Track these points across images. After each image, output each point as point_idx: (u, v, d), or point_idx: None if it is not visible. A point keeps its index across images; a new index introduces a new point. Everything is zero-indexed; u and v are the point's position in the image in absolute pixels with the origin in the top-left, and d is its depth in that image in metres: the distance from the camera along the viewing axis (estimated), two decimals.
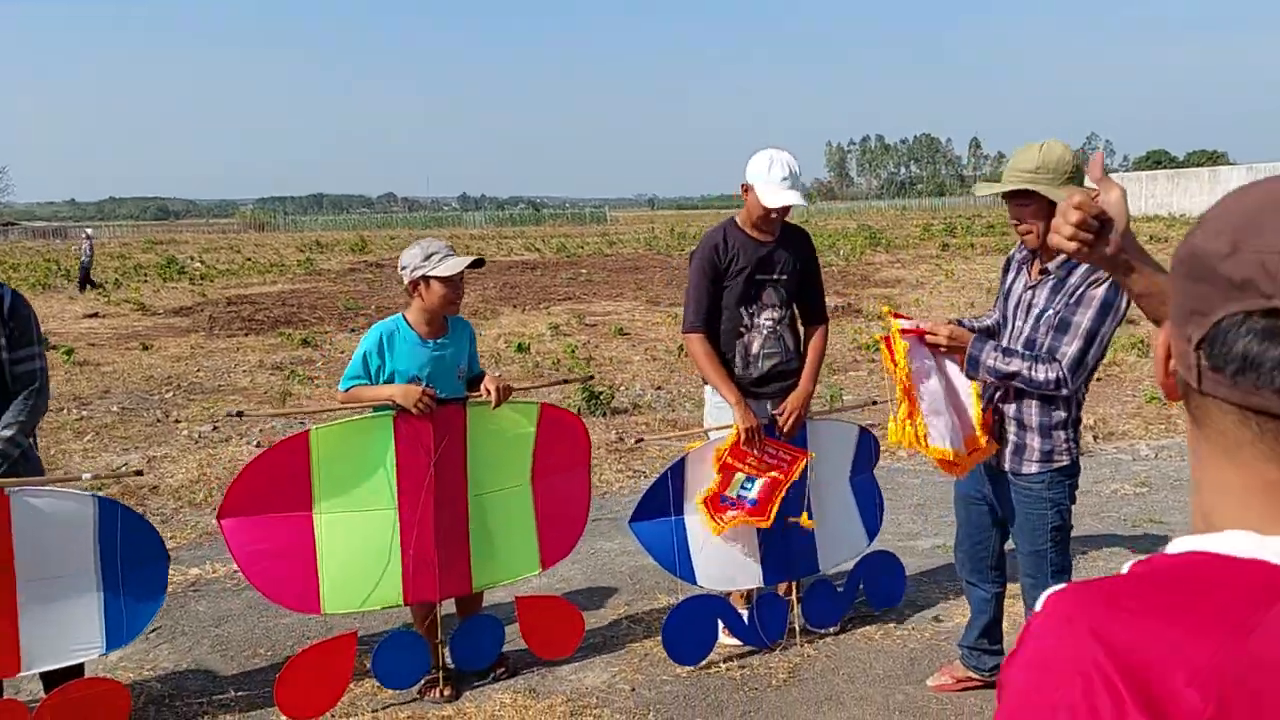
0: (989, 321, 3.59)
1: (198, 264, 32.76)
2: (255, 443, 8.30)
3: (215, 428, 9.05)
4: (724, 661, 4.11)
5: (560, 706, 3.75)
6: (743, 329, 4.11)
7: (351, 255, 38.75)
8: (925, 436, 3.27)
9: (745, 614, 4.20)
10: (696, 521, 4.04)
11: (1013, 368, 3.14)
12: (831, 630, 4.33)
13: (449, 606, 4.10)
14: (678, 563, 4.10)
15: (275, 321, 17.00)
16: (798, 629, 4.24)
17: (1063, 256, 3.14)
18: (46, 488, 3.58)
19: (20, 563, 3.43)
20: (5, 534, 3.41)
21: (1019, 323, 3.31)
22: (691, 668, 4.05)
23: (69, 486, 3.67)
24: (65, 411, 9.81)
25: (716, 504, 3.98)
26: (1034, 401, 3.24)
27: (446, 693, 3.86)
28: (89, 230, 27.74)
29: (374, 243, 48.07)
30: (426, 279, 3.79)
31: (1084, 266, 3.07)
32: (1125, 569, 0.73)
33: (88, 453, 8.26)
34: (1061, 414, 3.24)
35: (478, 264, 3.87)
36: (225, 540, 3.54)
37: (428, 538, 3.73)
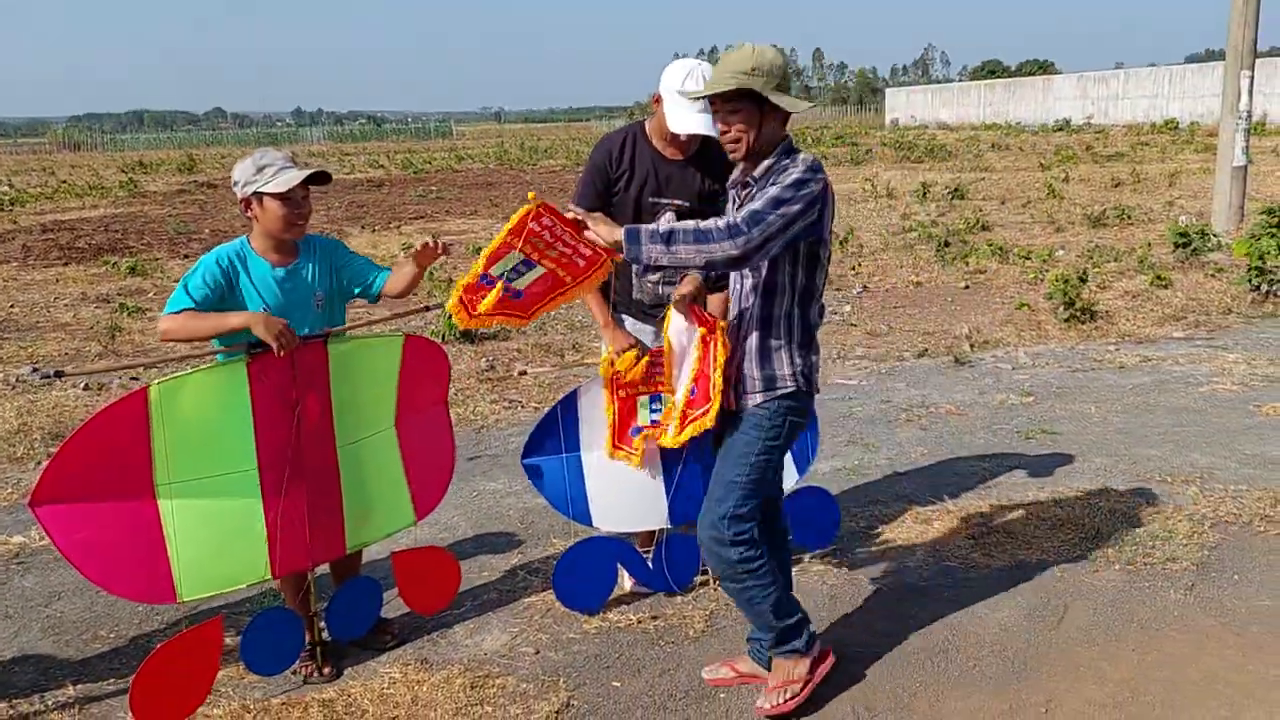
0: None
1: (6, 187, 29.83)
2: (84, 384, 7.45)
3: (35, 369, 8.10)
4: (634, 614, 3.80)
5: (458, 679, 3.37)
6: None
7: (179, 175, 36.06)
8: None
9: (649, 557, 3.90)
10: (593, 458, 3.70)
11: (682, 225, 2.78)
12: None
13: (321, 575, 3.64)
14: (571, 504, 3.76)
15: (98, 249, 15.54)
16: (711, 572, 3.97)
17: (766, 165, 2.93)
18: None
19: None
20: None
21: None
22: (600, 623, 3.73)
23: None
24: None
25: (624, 438, 3.66)
26: (754, 325, 3.02)
27: (326, 671, 3.42)
28: None
29: (203, 162, 44.99)
30: (260, 195, 3.22)
31: (800, 165, 2.87)
32: None
33: None
34: (782, 337, 3.01)
35: (320, 179, 3.31)
36: (45, 531, 2.92)
37: (296, 499, 3.23)
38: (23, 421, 6.61)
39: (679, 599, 3.90)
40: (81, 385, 7.42)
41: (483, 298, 2.99)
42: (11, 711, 3.29)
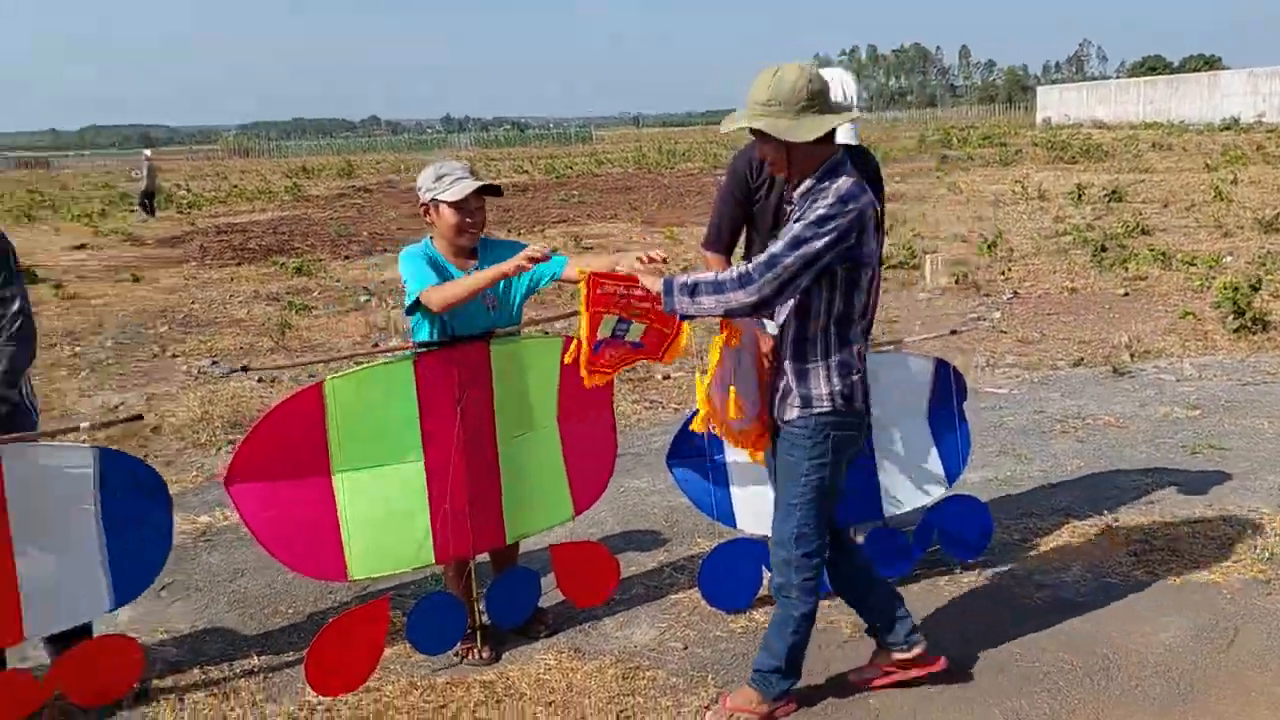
0: None
1: (184, 191, 31.98)
2: (258, 378, 7.96)
3: (215, 362, 8.71)
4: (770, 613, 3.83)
5: (610, 668, 3.49)
6: None
7: (338, 180, 37.95)
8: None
9: None
10: (737, 460, 3.76)
11: (700, 279, 2.89)
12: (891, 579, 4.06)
13: (481, 563, 3.82)
14: (715, 505, 3.83)
15: (267, 250, 16.53)
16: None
17: (805, 187, 2.92)
18: (41, 443, 3.26)
19: (16, 525, 3.13)
20: None
21: None
22: (746, 623, 3.79)
23: (66, 438, 3.35)
24: (58, 348, 9.44)
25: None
26: (790, 346, 3.02)
27: (485, 654, 3.59)
28: (147, 152, 26.83)
29: (360, 167, 47.10)
30: (437, 202, 3.42)
31: (831, 196, 2.84)
32: None
33: (83, 391, 7.92)
34: (817, 359, 2.99)
35: (492, 190, 3.48)
36: (235, 507, 3.22)
37: (459, 489, 3.41)
38: (205, 410, 7.12)
39: (825, 604, 3.91)
40: (256, 379, 7.92)
41: (608, 359, 3.17)
42: (203, 677, 3.58)
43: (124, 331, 10.29)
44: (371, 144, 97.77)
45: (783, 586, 3.11)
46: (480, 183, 3.41)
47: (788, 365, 3.02)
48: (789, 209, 3.01)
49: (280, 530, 3.24)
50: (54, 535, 3.18)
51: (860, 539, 4.01)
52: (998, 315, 9.18)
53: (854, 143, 3.53)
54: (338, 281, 13.07)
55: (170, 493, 3.40)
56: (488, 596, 3.64)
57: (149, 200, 23.95)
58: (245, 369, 3.50)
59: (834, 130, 2.90)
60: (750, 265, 2.85)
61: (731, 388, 3.12)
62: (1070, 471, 5.26)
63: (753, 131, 2.94)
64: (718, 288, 2.86)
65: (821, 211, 2.81)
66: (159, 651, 3.75)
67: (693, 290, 2.88)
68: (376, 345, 8.97)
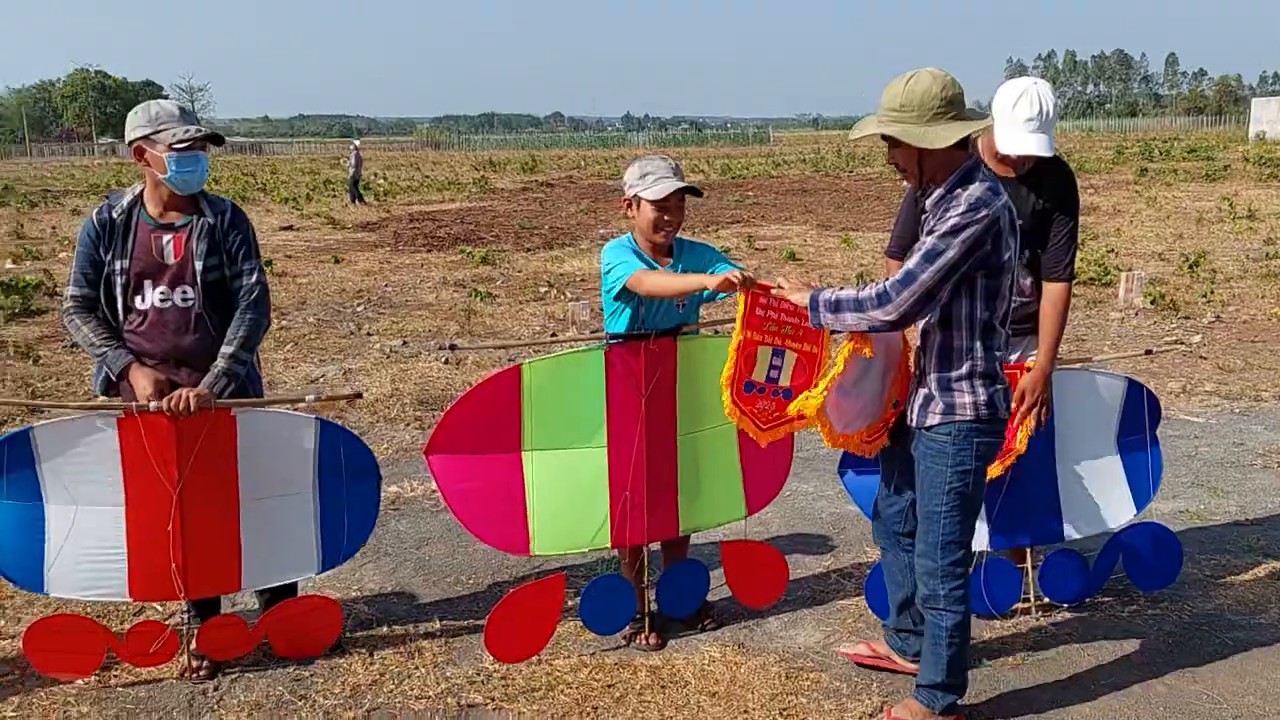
0: None
1: (381, 180, 33.78)
2: (444, 360, 8.39)
3: (405, 343, 9.23)
4: None
5: (773, 666, 3.54)
6: None
7: (522, 174, 39.20)
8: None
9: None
10: None
11: (840, 296, 2.96)
12: (1066, 605, 3.94)
13: (653, 552, 3.93)
14: None
15: (455, 239, 17.31)
16: (1032, 599, 3.88)
17: (937, 195, 2.91)
18: (271, 409, 3.58)
19: (243, 483, 3.46)
20: (230, 454, 3.42)
21: None
22: None
23: (293, 408, 3.66)
24: None
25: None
26: (934, 356, 3.00)
27: (653, 640, 3.71)
28: (356, 142, 28.88)
29: (543, 162, 48.52)
30: (638, 199, 3.55)
31: (962, 204, 2.82)
32: None
33: (288, 363, 8.54)
34: (963, 369, 2.96)
35: (692, 191, 3.59)
36: (433, 477, 3.46)
37: (639, 478, 3.54)
38: (395, 387, 7.57)
39: (998, 624, 3.84)
40: (443, 360, 8.35)
41: (760, 409, 3.25)
42: (390, 634, 3.84)
43: (325, 309, 11.02)
44: (554, 140, 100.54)
45: (929, 598, 3.09)
46: (681, 184, 3.52)
47: (932, 375, 3.00)
48: (924, 218, 2.99)
49: (472, 501, 3.46)
50: (275, 496, 3.50)
51: (1037, 560, 3.91)
52: (1197, 339, 8.66)
53: (1048, 154, 3.45)
54: (519, 272, 13.56)
55: (379, 471, 3.66)
56: (659, 585, 3.76)
57: (355, 187, 25.45)
58: (454, 347, 3.75)
59: (967, 137, 2.88)
60: (888, 283, 2.88)
61: (838, 398, 3.11)
62: (1271, 509, 4.94)
63: (884, 138, 2.93)
64: (859, 305, 2.91)
65: (954, 221, 2.80)
66: (352, 607, 4.05)
67: (836, 307, 2.96)
68: (554, 335, 9.30)
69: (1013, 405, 3.54)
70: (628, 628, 3.73)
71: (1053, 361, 3.56)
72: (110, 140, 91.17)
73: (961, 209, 2.80)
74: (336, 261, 14.62)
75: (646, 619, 3.73)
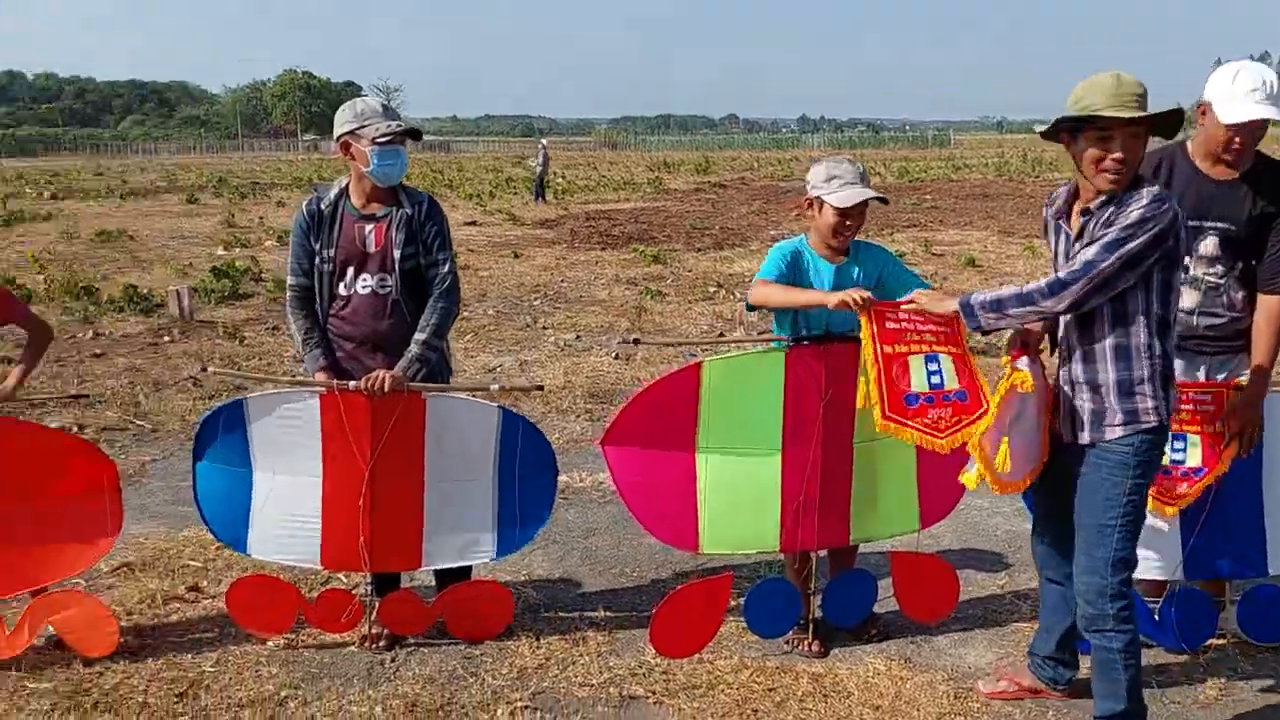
0: None
1: (560, 180, 34.67)
2: (614, 355, 8.54)
3: (578, 336, 9.45)
4: None
5: (941, 684, 3.43)
6: None
7: (696, 175, 39.42)
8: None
9: (1155, 609, 3.62)
10: None
11: (1002, 294, 2.90)
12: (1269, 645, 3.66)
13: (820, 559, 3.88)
14: None
15: (629, 237, 17.57)
16: (1229, 637, 3.61)
17: (1103, 198, 2.84)
18: (457, 395, 3.74)
19: (429, 464, 3.62)
20: (418, 437, 3.59)
21: None
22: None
23: (478, 395, 3.82)
24: None
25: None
26: (1107, 360, 2.87)
27: (816, 647, 3.66)
28: (544, 141, 29.75)
29: (716, 163, 48.63)
30: (821, 201, 3.51)
31: (1145, 198, 2.78)
32: None
33: (468, 352, 8.89)
34: (1143, 369, 2.84)
35: (879, 199, 3.53)
36: (609, 468, 3.52)
37: (812, 484, 3.50)
38: (568, 379, 7.76)
39: (1185, 659, 3.60)
40: (614, 355, 8.50)
41: (935, 418, 3.20)
42: (556, 620, 3.95)
43: (504, 302, 11.41)
44: (729, 141, 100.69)
45: (1096, 618, 2.92)
46: (868, 194, 3.47)
47: (1108, 380, 2.87)
48: (1084, 222, 2.88)
49: (644, 495, 3.52)
50: (458, 480, 3.65)
51: (1235, 594, 3.65)
52: None
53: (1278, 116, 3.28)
54: (689, 271, 13.65)
55: (557, 462, 3.75)
56: (825, 592, 3.71)
57: (540, 185, 26.04)
58: (637, 341, 3.84)
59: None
60: (1064, 273, 2.81)
61: (1005, 439, 3.00)
62: None
63: (1144, 122, 2.78)
64: (1024, 300, 2.85)
65: (1137, 214, 2.75)
66: (521, 591, 4.18)
67: (997, 306, 2.90)
68: (722, 335, 9.31)
69: (1221, 426, 3.33)
70: (791, 633, 3.70)
71: (1267, 382, 3.31)
72: (313, 137, 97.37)
73: (1145, 202, 2.76)
74: (515, 256, 15.10)
75: (811, 625, 3.69)
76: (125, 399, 7.20)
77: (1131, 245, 2.72)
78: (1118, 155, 2.77)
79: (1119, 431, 2.86)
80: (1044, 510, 3.24)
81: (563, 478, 5.59)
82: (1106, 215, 2.81)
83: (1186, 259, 3.45)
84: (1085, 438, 2.92)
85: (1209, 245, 3.41)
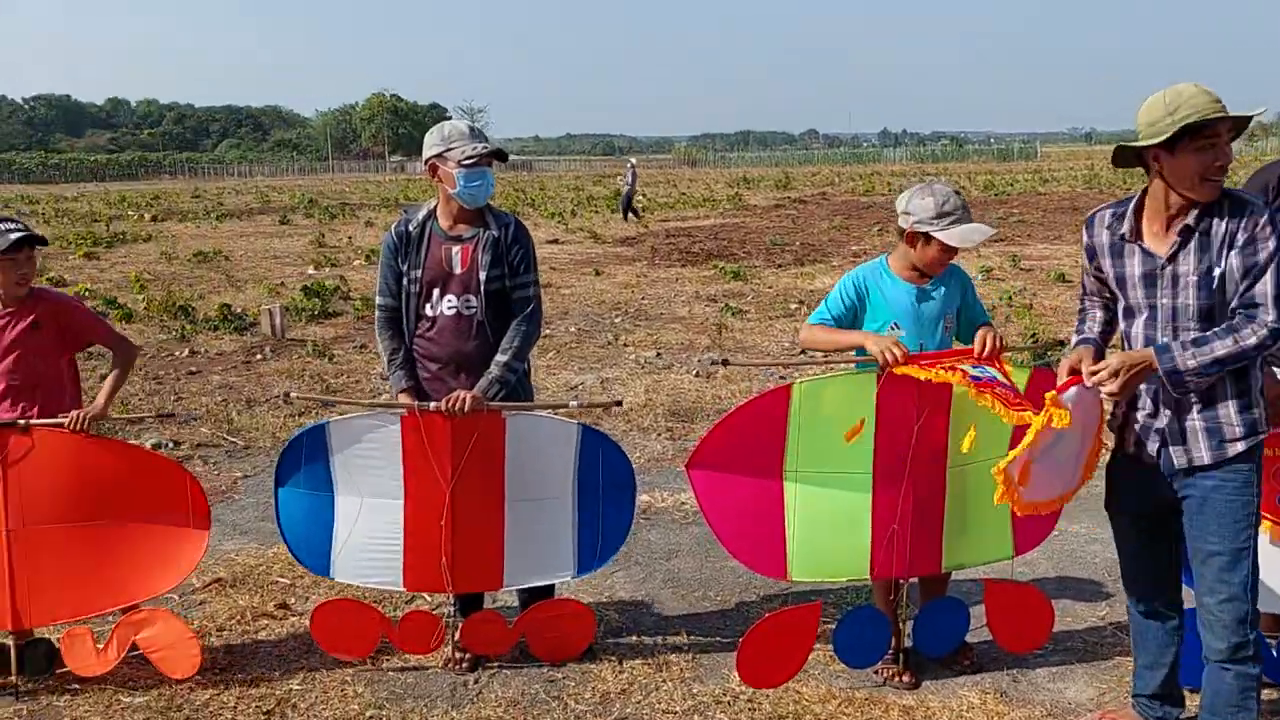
0: (1097, 323, 3.09)
1: (640, 197, 34.83)
2: (695, 373, 8.48)
3: (659, 354, 9.42)
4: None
5: None
6: None
7: (776, 191, 39.24)
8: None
9: (1274, 645, 3.41)
10: None
11: (1219, 353, 2.63)
12: None
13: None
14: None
15: (708, 254, 17.52)
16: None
17: (1197, 210, 2.71)
18: (537, 413, 3.73)
19: (509, 484, 3.60)
20: (499, 455, 3.58)
21: (1166, 300, 2.78)
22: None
23: (558, 413, 3.80)
24: None
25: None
26: (1227, 374, 2.70)
27: (907, 678, 3.54)
28: (633, 160, 29.93)
29: (796, 179, 48.34)
30: (929, 237, 3.38)
31: (1227, 215, 2.68)
32: None
33: (550, 369, 8.92)
34: (1257, 377, 2.75)
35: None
36: (694, 491, 3.47)
37: (904, 509, 3.39)
38: (649, 397, 7.73)
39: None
40: (695, 373, 8.45)
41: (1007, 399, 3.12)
42: (639, 644, 3.89)
43: (585, 319, 11.45)
44: (808, 157, 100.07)
45: (1241, 646, 2.76)
46: (988, 232, 3.40)
47: (1227, 389, 2.72)
48: (1182, 240, 2.73)
49: (732, 520, 3.44)
50: (538, 498, 3.63)
51: None
52: None
53: None
54: (770, 288, 13.53)
55: (636, 480, 3.71)
56: (916, 621, 3.58)
57: (629, 203, 25.94)
58: (726, 363, 3.78)
59: None
60: (1272, 314, 2.62)
61: (1029, 460, 2.86)
62: None
63: (1232, 126, 2.69)
64: (1247, 358, 2.67)
65: (1265, 217, 2.66)
66: (602, 613, 4.14)
67: (1211, 371, 2.66)
68: (804, 352, 9.17)
69: None
70: (881, 663, 3.59)
71: None
72: (399, 158, 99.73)
73: (1258, 204, 2.71)
74: (597, 274, 15.17)
75: (901, 655, 3.57)
76: (219, 416, 7.39)
77: None
78: (1222, 162, 2.68)
79: (1241, 446, 2.73)
80: (1137, 542, 3.08)
81: (644, 497, 5.58)
82: (1222, 229, 2.68)
83: None
84: (1205, 458, 2.76)
85: None
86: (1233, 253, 2.66)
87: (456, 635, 3.69)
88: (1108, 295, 3.03)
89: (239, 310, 11.60)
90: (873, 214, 25.34)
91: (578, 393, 8.04)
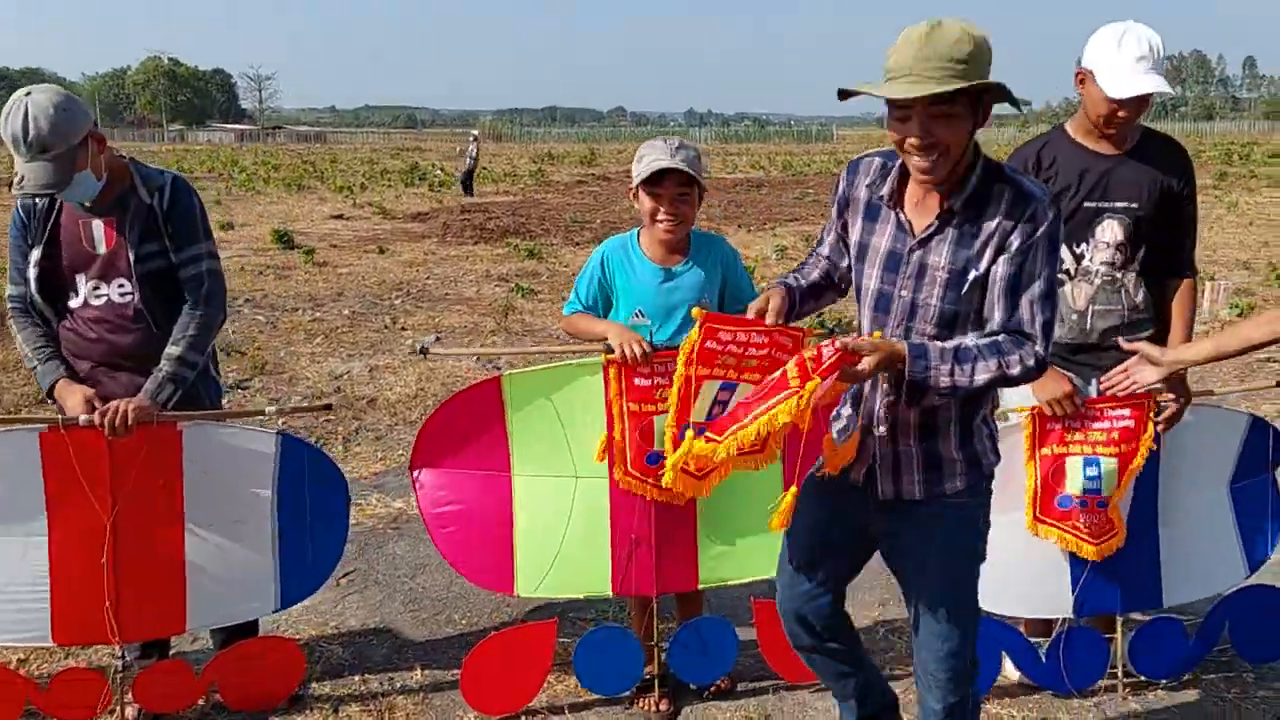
0: (807, 280, 2.45)
1: (439, 171, 33.65)
2: (475, 359, 7.92)
3: (439, 339, 8.79)
4: (1017, 709, 3.19)
5: None
6: (1064, 274, 3.06)
7: (580, 167, 38.87)
8: None
9: (1043, 650, 3.24)
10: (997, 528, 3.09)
11: (980, 377, 2.09)
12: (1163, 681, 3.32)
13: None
14: None
15: (504, 231, 16.88)
16: (1120, 675, 3.25)
17: (972, 190, 2.16)
18: (225, 423, 3.10)
19: (189, 507, 2.97)
20: (175, 476, 2.94)
21: (906, 293, 2.23)
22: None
23: (251, 422, 3.18)
24: (300, 313, 9.85)
25: (1049, 509, 3.06)
26: (953, 403, 2.23)
27: (663, 706, 3.15)
28: (474, 133, 28.33)
29: (602, 155, 48.15)
30: (636, 189, 3.10)
31: (1003, 210, 2.14)
32: None
33: (314, 357, 8.15)
34: (985, 405, 2.30)
35: (691, 180, 3.10)
36: (415, 496, 3.03)
37: (644, 520, 2.99)
38: (420, 387, 7.12)
39: (1074, 702, 3.23)
40: (474, 360, 7.88)
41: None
42: (364, 688, 3.33)
43: (362, 301, 10.63)
44: (616, 134, 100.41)
45: (955, 708, 2.39)
46: (674, 163, 3.02)
47: (950, 420, 2.26)
48: (940, 224, 2.20)
49: (452, 525, 3.00)
50: (227, 523, 3.01)
51: (1128, 630, 3.29)
52: None
53: (1169, 92, 2.99)
54: (566, 267, 13.08)
55: (349, 492, 3.18)
56: (672, 645, 3.18)
57: (469, 178, 24.60)
58: (425, 352, 3.30)
59: None
60: (1040, 346, 2.14)
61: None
62: None
63: (935, 101, 2.06)
64: (1009, 385, 2.22)
65: (1050, 234, 2.14)
66: (324, 649, 3.56)
67: (973, 393, 2.18)
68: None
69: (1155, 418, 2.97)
70: (632, 690, 3.18)
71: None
72: (179, 127, 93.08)
73: (1048, 203, 2.14)
74: (381, 252, 14.26)
75: (657, 681, 3.18)
76: None
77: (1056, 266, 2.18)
78: (916, 140, 2.12)
79: (961, 482, 2.29)
80: (798, 571, 2.54)
81: (399, 503, 5.00)
82: (993, 226, 2.14)
83: (1081, 247, 3.08)
84: (913, 492, 2.30)
85: (1111, 230, 3.02)
86: (1002, 259, 2.13)
87: (128, 694, 3.02)
88: (844, 267, 2.44)
89: None
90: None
91: (342, 382, 7.32)
